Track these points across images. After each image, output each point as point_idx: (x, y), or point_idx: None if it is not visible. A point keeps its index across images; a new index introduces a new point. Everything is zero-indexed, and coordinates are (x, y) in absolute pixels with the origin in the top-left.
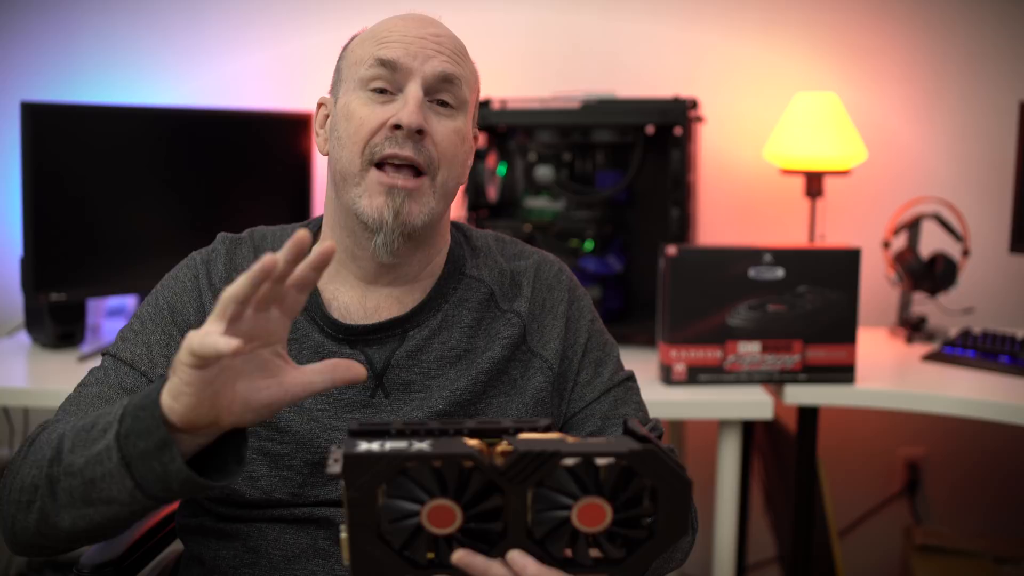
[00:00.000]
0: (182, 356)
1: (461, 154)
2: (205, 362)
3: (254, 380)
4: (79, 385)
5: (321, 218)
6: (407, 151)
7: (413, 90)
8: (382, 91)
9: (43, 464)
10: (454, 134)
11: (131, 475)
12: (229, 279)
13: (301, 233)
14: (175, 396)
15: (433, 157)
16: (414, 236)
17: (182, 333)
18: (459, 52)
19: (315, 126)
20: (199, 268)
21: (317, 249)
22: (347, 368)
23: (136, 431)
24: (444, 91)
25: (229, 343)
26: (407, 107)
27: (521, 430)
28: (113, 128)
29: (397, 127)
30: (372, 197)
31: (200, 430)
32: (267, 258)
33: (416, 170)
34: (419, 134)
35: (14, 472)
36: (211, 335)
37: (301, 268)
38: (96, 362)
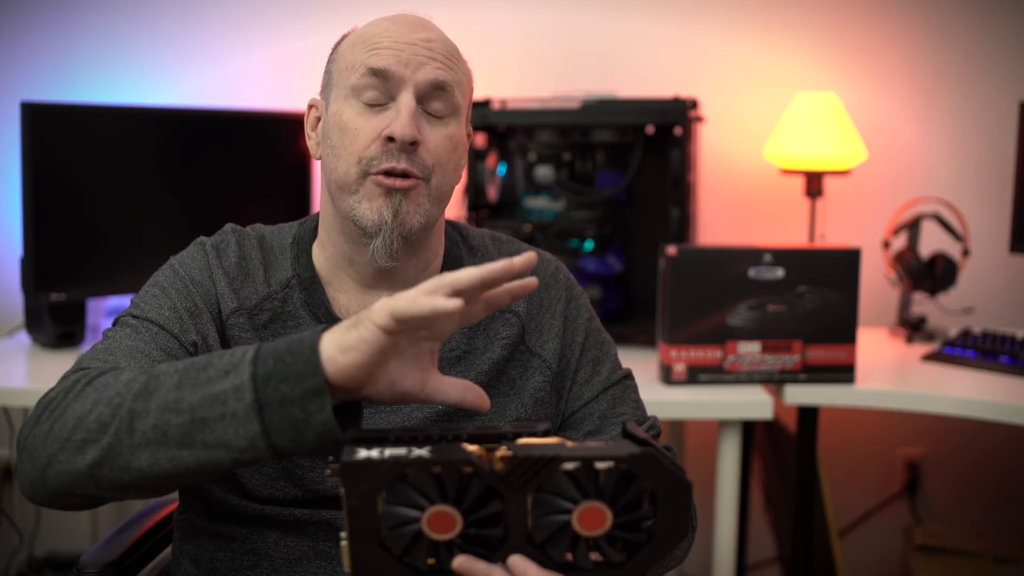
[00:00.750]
0: (376, 315)
1: (454, 160)
2: (407, 325)
3: (406, 366)
4: (103, 340)
5: (317, 216)
6: (402, 163)
7: (406, 100)
8: (374, 100)
9: (120, 401)
10: (447, 141)
11: (261, 419)
12: (239, 264)
13: (532, 256)
14: (344, 350)
15: (427, 165)
16: (411, 239)
17: (204, 302)
18: (451, 56)
19: (307, 128)
20: (209, 251)
21: (523, 282)
22: (477, 396)
23: (281, 375)
24: (437, 98)
25: (452, 301)
26: (400, 119)
27: (520, 435)
28: (113, 128)
29: (391, 139)
30: (372, 200)
31: (344, 391)
32: (507, 262)
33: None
34: (412, 145)
35: (60, 410)
36: (423, 299)
37: (504, 289)
38: None
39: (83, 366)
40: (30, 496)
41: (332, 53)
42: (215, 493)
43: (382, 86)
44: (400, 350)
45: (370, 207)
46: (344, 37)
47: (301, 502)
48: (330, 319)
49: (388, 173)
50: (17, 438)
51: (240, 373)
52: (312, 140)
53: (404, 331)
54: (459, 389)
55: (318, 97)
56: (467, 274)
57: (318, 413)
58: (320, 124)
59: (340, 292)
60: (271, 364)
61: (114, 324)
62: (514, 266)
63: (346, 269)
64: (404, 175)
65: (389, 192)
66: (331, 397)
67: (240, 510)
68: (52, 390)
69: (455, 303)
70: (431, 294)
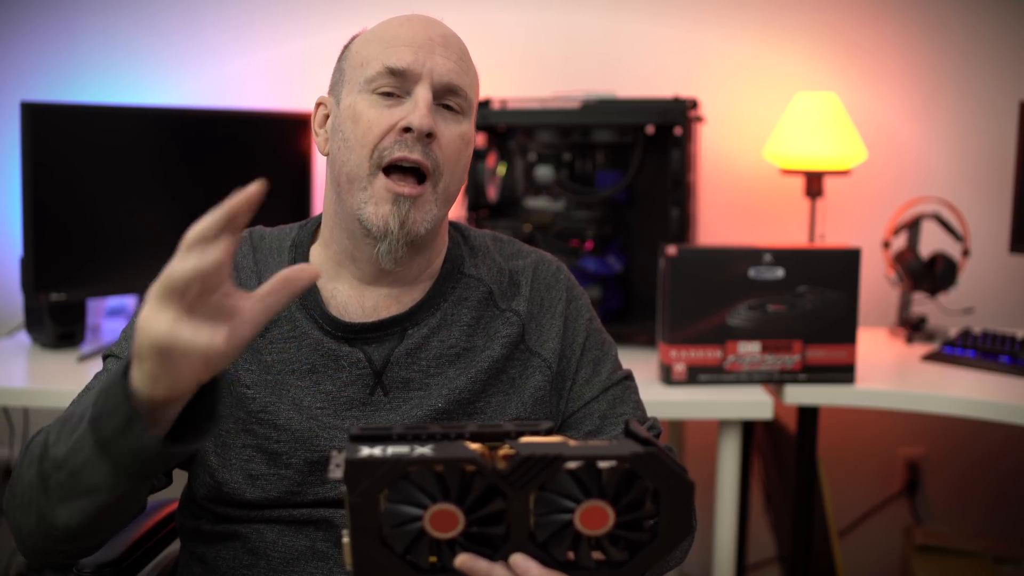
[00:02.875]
0: (143, 350)
1: (464, 159)
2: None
3: (218, 326)
4: (84, 389)
5: (319, 217)
6: (416, 154)
7: (423, 93)
8: (389, 94)
9: (34, 462)
10: (459, 139)
11: (107, 457)
12: (229, 276)
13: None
14: (154, 381)
15: (439, 162)
16: (417, 245)
17: None
18: (464, 57)
19: (314, 126)
20: None
21: (300, 271)
22: (298, 274)
23: (106, 412)
24: (451, 96)
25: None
26: (418, 110)
27: (523, 434)
28: (113, 128)
29: (407, 130)
30: (378, 205)
31: (171, 403)
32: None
33: (419, 176)
34: (428, 137)
35: (15, 478)
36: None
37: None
38: (96, 363)
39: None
40: (26, 557)
41: (344, 51)
42: (216, 508)
43: (398, 81)
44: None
45: (375, 212)
46: (354, 38)
47: (300, 504)
48: (325, 319)
49: (399, 164)
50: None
51: (87, 417)
52: (320, 137)
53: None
54: (279, 290)
55: (327, 95)
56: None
57: (141, 437)
58: (329, 121)
59: (340, 287)
60: (101, 402)
61: (104, 357)
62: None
63: (348, 266)
64: (411, 172)
65: (397, 200)
66: (172, 406)
67: (240, 513)
68: None
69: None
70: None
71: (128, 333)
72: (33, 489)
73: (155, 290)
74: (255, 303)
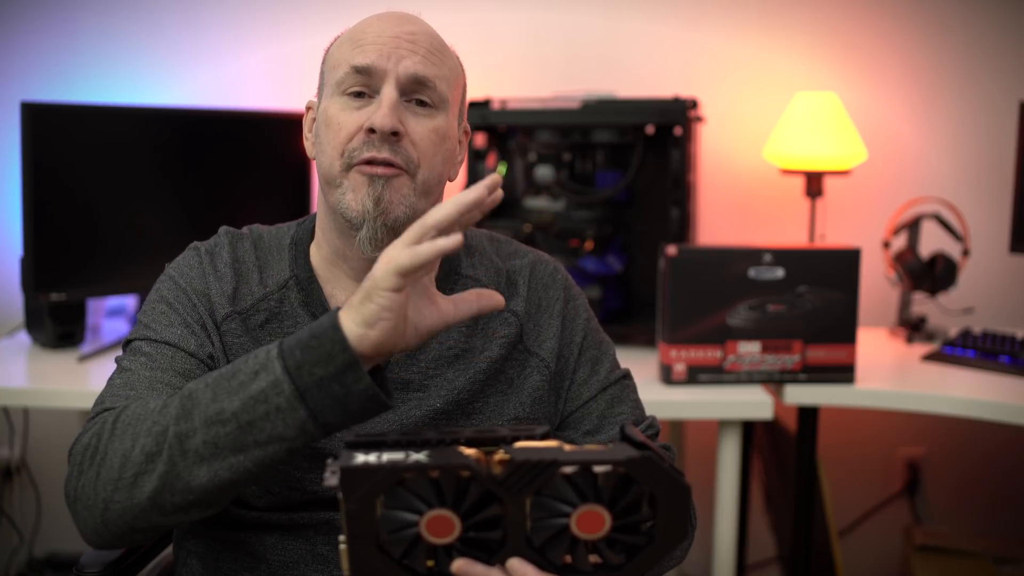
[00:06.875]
0: (383, 282)
1: (442, 152)
2: (414, 276)
3: (419, 307)
4: (120, 373)
5: (315, 216)
6: (384, 153)
7: (387, 92)
8: (359, 94)
9: (162, 427)
10: (432, 133)
11: (305, 404)
12: (234, 269)
13: (496, 177)
14: (371, 324)
15: (412, 157)
16: (398, 231)
17: (208, 311)
18: (435, 50)
19: (304, 129)
20: (203, 256)
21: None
22: (490, 297)
23: (312, 360)
24: (420, 91)
25: (453, 239)
26: (380, 110)
27: (518, 438)
28: (113, 128)
29: (372, 130)
30: (356, 191)
31: (381, 357)
32: (481, 189)
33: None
34: (394, 136)
35: (101, 454)
36: (423, 248)
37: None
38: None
39: (106, 406)
40: (94, 543)
41: (325, 54)
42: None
43: (366, 81)
44: (409, 295)
45: (354, 197)
46: (336, 38)
47: (299, 506)
48: None
49: (369, 163)
50: (65, 491)
51: (271, 370)
52: (308, 141)
53: (410, 283)
54: (473, 302)
55: (314, 99)
56: (445, 211)
57: (357, 384)
58: (314, 124)
59: (337, 289)
60: (299, 354)
61: (126, 348)
62: (483, 194)
63: (341, 266)
64: (387, 164)
65: (371, 180)
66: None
67: (240, 517)
68: (83, 436)
69: (456, 240)
70: (420, 239)
71: (153, 319)
72: (159, 456)
73: (401, 262)
74: (448, 302)
